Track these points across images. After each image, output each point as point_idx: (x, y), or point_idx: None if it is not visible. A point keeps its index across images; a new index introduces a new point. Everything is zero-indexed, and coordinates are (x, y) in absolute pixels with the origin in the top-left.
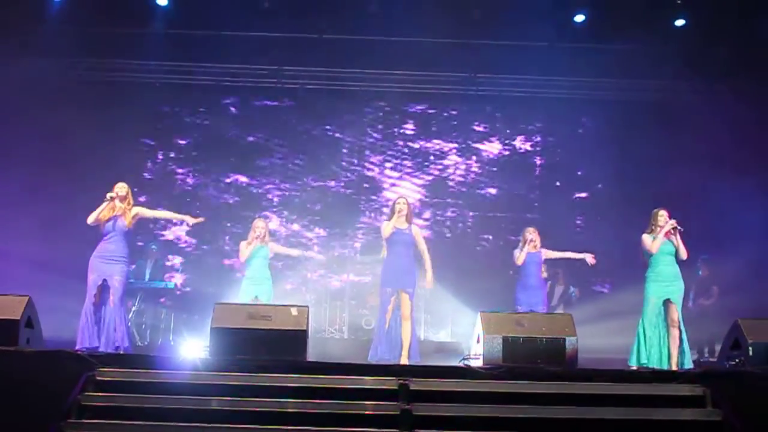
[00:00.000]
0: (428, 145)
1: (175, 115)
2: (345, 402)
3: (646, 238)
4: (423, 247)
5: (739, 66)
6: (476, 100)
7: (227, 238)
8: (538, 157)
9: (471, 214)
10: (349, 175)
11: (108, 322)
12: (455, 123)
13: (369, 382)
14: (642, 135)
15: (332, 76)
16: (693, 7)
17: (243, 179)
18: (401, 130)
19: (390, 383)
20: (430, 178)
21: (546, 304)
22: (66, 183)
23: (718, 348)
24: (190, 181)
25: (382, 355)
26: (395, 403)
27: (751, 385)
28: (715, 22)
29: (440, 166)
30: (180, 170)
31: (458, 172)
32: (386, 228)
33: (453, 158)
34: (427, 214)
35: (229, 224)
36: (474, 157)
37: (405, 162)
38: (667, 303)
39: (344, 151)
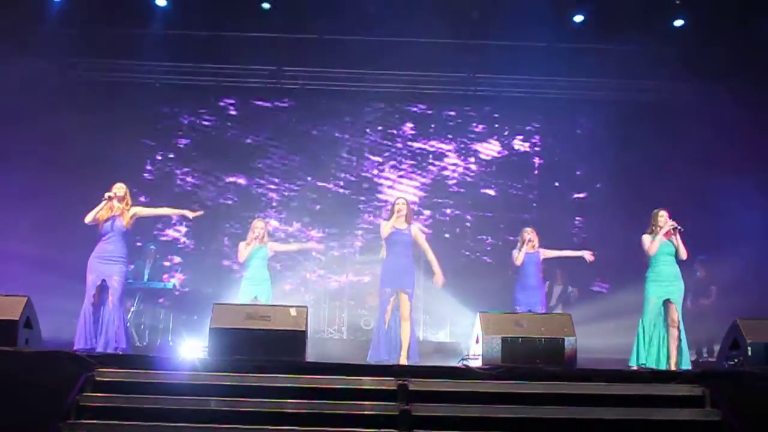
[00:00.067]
0: (427, 145)
1: (175, 115)
2: (344, 402)
3: (646, 238)
4: (425, 246)
5: (737, 67)
6: (475, 101)
7: (226, 238)
8: (537, 158)
9: (470, 214)
10: (348, 175)
11: (107, 323)
12: (454, 123)
13: (368, 382)
14: (640, 135)
15: (331, 76)
16: (692, 7)
17: (242, 180)
18: (400, 131)
19: (389, 383)
20: (429, 178)
21: (544, 304)
22: (65, 184)
23: (716, 348)
24: (189, 181)
25: (381, 356)
26: (394, 403)
27: (750, 385)
28: (714, 23)
29: (439, 167)
30: (179, 171)
31: (457, 172)
32: (385, 228)
33: (452, 158)
34: (426, 215)
35: (228, 225)
36: (473, 158)
37: (404, 162)
38: (667, 303)
39: (343, 151)
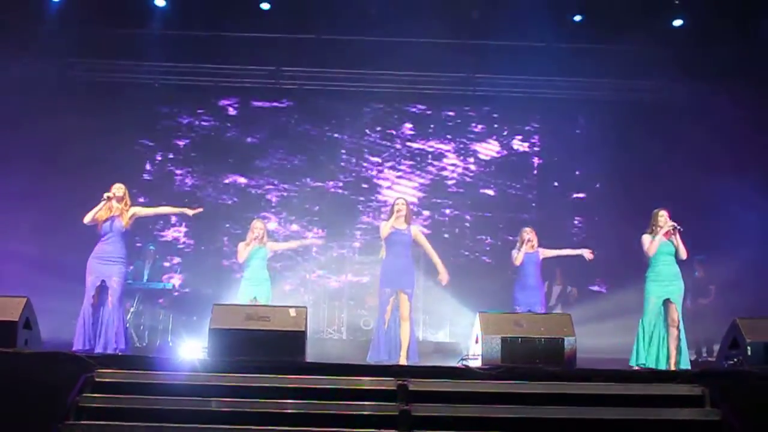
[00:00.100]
0: (426, 145)
1: (174, 116)
2: (344, 402)
3: (646, 238)
4: (427, 245)
5: (736, 67)
6: (474, 101)
7: (226, 239)
8: (536, 158)
9: (469, 214)
10: (347, 175)
11: (106, 324)
12: (453, 124)
13: (367, 382)
14: (639, 135)
15: (330, 76)
16: (691, 7)
17: (242, 180)
18: (399, 131)
19: (388, 384)
20: (428, 178)
21: (544, 304)
22: (64, 184)
23: (716, 348)
24: (188, 181)
25: (381, 356)
26: (394, 403)
27: (750, 385)
28: (713, 23)
29: (438, 167)
30: (179, 171)
31: (456, 172)
32: (384, 228)
33: (451, 159)
34: (425, 215)
35: (227, 225)
36: (472, 158)
37: (403, 162)
38: (666, 303)
39: (343, 151)
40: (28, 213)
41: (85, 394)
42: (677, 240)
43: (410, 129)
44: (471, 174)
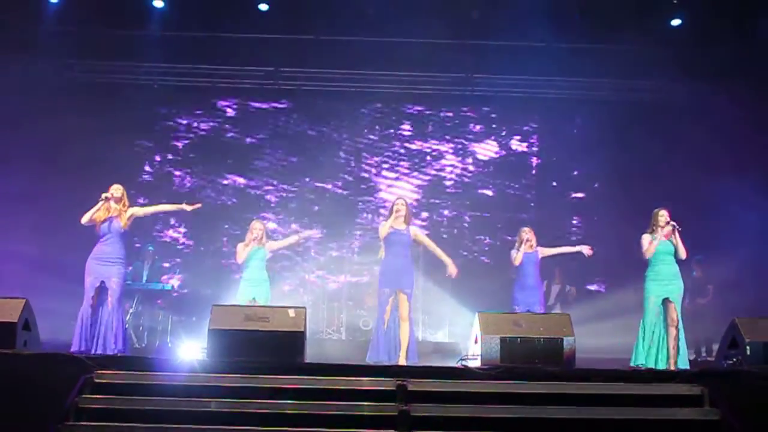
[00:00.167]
0: (425, 145)
1: (173, 117)
2: (343, 403)
3: (646, 238)
4: (428, 242)
5: (735, 67)
6: (472, 101)
7: (225, 239)
8: (534, 158)
9: (467, 214)
10: (346, 176)
11: (105, 324)
12: (451, 124)
13: (367, 383)
14: (638, 135)
15: (329, 77)
16: (689, 7)
17: (241, 181)
18: (398, 131)
19: (388, 384)
20: (426, 178)
21: (543, 303)
22: (63, 185)
23: (715, 347)
24: (188, 182)
25: (380, 356)
26: (393, 403)
27: (749, 384)
28: (712, 23)
29: (437, 167)
30: (178, 172)
31: (455, 172)
32: (383, 228)
33: (449, 159)
34: (423, 215)
35: (226, 226)
36: (470, 158)
37: (402, 163)
38: (665, 302)
39: (341, 152)
40: (27, 213)
41: (84, 395)
42: (677, 240)
43: (409, 129)
44: (470, 174)
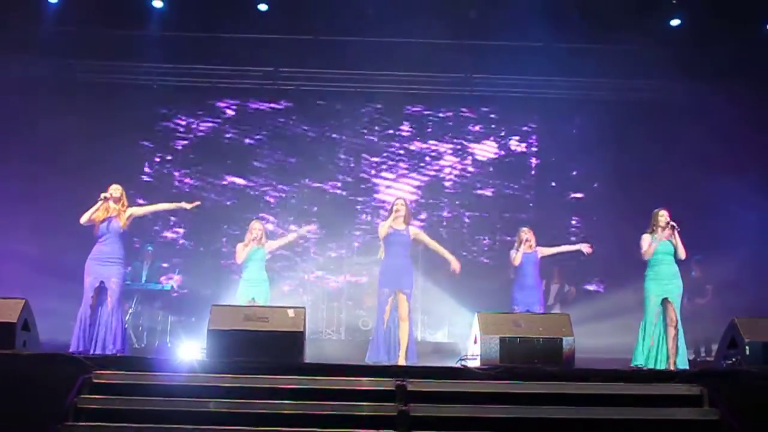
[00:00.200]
0: (424, 146)
1: (172, 117)
2: (342, 403)
3: (646, 238)
4: (429, 240)
5: (734, 67)
6: (472, 101)
7: (224, 240)
8: (534, 158)
9: (467, 214)
10: (345, 176)
11: (105, 325)
12: (451, 124)
13: (366, 383)
14: (637, 135)
15: (328, 77)
16: (688, 7)
17: (240, 181)
18: (397, 132)
19: (387, 384)
20: (425, 179)
21: (542, 303)
22: (62, 185)
23: (714, 347)
24: (187, 183)
25: (380, 356)
26: (392, 404)
27: (748, 384)
28: (711, 23)
29: (436, 167)
30: (177, 172)
31: (454, 173)
32: (383, 228)
33: (448, 159)
34: (422, 215)
35: (226, 226)
36: (469, 158)
37: (401, 163)
38: (665, 302)
39: (341, 152)
40: (27, 213)
41: (83, 396)
42: (676, 240)
43: (408, 129)
44: (469, 174)
